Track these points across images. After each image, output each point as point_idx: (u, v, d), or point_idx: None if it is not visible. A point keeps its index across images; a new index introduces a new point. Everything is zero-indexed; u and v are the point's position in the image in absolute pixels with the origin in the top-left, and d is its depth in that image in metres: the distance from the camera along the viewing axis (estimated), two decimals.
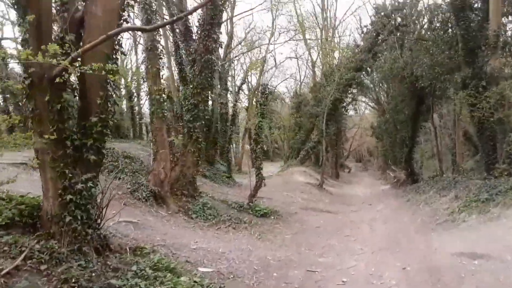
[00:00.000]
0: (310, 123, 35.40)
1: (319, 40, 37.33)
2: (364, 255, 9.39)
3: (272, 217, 13.24)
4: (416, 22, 23.78)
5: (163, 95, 11.19)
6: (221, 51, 24.75)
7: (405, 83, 22.83)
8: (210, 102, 22.48)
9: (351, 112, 56.77)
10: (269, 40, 33.51)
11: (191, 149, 12.39)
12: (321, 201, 19.06)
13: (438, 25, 19.11)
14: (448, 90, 21.18)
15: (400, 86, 24.07)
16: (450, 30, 18.20)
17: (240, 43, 31.19)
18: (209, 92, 12.84)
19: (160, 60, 11.48)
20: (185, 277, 6.57)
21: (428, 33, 20.63)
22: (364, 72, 30.19)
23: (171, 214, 10.46)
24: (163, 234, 8.85)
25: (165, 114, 11.09)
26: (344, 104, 33.18)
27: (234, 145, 43.52)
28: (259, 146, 14.61)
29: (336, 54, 40.66)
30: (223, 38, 24.61)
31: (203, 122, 12.67)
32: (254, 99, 16.72)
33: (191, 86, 12.84)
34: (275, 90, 52.61)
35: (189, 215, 10.81)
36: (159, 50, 11.49)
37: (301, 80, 50.31)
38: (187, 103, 12.78)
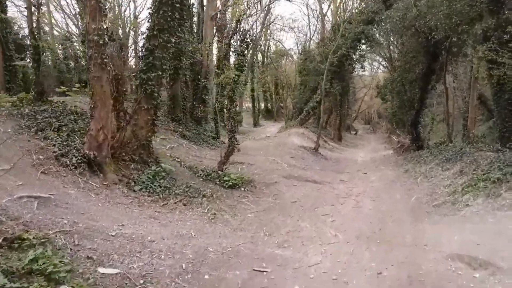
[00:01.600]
0: (315, 81, 32.69)
1: None
2: (336, 246, 7.37)
3: (243, 189, 11.23)
4: None
5: (104, 35, 8.86)
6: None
7: (418, 36, 19.83)
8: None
9: (362, 72, 53.64)
10: None
11: (144, 105, 10.19)
12: (310, 168, 16.95)
13: None
14: (465, 46, 18.21)
15: (412, 40, 21.01)
16: None
17: None
18: (170, 35, 10.35)
19: None
20: (66, 286, 4.70)
21: None
22: (375, 26, 27.01)
23: (107, 186, 8.49)
24: (80, 215, 6.88)
25: (105, 60, 8.79)
26: (351, 62, 30.28)
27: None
28: (233, 105, 12.29)
29: (349, 4, 37.16)
30: None
31: (160, 73, 10.31)
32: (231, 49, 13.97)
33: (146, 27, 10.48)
34: (282, 46, 49.79)
35: (131, 187, 8.83)
36: None
37: (311, 36, 46.88)
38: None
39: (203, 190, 10.05)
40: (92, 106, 8.93)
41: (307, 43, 44.50)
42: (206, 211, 8.79)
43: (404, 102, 23.04)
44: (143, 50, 10.42)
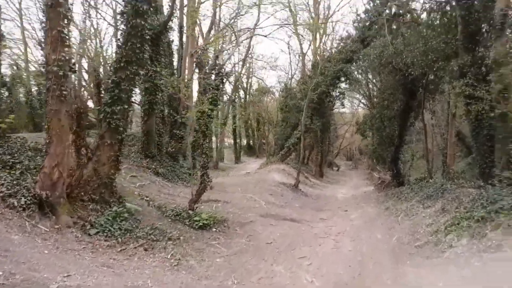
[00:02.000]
0: (296, 118, 32.62)
1: (310, 26, 34.22)
2: None
3: (214, 229, 10.42)
4: (413, 9, 20.85)
5: (66, 67, 8.30)
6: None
7: (395, 74, 20.02)
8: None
9: (344, 109, 54.26)
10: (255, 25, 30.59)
11: (107, 140, 9.50)
12: (289, 206, 16.25)
13: (434, 6, 16.20)
14: (442, 83, 18.37)
15: (390, 77, 21.21)
16: (448, 11, 15.35)
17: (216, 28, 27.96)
18: (138, 67, 9.85)
19: (65, 21, 8.56)
20: None
21: (423, 15, 17.74)
22: (354, 64, 27.39)
23: (58, 230, 7.61)
24: (20, 264, 5.99)
25: (65, 92, 8.17)
26: (331, 99, 30.44)
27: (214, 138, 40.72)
28: (206, 140, 11.70)
29: (329, 44, 37.90)
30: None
31: (126, 107, 9.72)
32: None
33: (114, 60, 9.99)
34: (264, 84, 50.21)
35: (86, 230, 7.96)
36: (65, 7, 8.55)
37: (292, 74, 47.52)
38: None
39: (169, 232, 9.21)
40: (47, 141, 8.21)
41: (289, 81, 45.07)
42: (169, 257, 7.93)
43: (383, 138, 22.90)
44: (109, 82, 9.86)
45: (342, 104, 33.28)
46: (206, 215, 10.68)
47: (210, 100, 11.50)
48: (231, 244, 9.69)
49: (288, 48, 57.43)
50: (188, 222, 10.30)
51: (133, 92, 10.01)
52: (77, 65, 10.37)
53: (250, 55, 39.29)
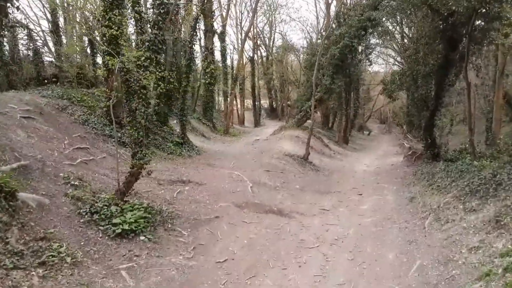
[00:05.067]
0: (316, 77, 28.00)
1: None
2: None
3: (143, 237, 6.91)
4: None
5: None
6: None
7: (431, 17, 15.06)
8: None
9: (373, 67, 48.35)
10: None
11: None
12: (285, 188, 12.46)
13: None
14: (492, 29, 13.37)
15: (425, 23, 16.18)
16: None
17: None
18: None
19: None
20: None
21: None
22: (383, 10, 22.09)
23: None
24: None
25: None
26: (356, 54, 25.45)
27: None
28: (141, 103, 7.85)
29: None
30: None
31: None
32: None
33: None
34: (287, 40, 44.99)
35: None
36: None
37: (319, 29, 41.95)
38: None
39: (56, 249, 5.80)
40: None
41: (316, 36, 39.76)
42: None
43: (415, 100, 18.15)
44: None
45: (369, 61, 27.98)
46: (135, 214, 7.17)
47: (147, 44, 7.66)
48: (155, 266, 6.18)
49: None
50: (106, 225, 6.85)
51: None
52: None
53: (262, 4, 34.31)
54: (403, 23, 24.10)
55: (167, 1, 7.86)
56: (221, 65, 32.66)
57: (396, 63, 45.24)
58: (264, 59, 44.50)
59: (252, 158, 16.30)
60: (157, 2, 7.82)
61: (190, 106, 28.08)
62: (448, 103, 23.70)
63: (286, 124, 27.04)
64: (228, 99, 29.26)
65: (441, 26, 14.72)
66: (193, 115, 25.99)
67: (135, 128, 7.59)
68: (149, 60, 7.62)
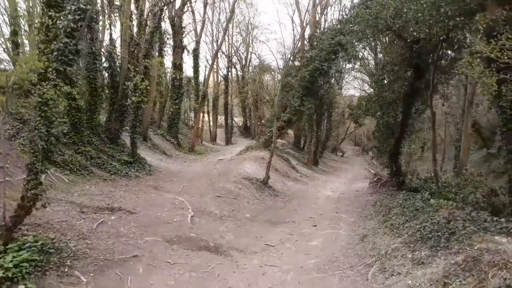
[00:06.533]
0: (285, 99, 27.19)
1: None
2: None
3: (23, 286, 5.53)
4: None
5: None
6: None
7: (397, 44, 14.47)
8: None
9: (352, 91, 48.30)
10: None
11: None
12: (233, 217, 11.21)
13: None
14: (459, 56, 12.72)
15: (391, 49, 15.56)
16: None
17: None
18: None
19: None
20: None
21: None
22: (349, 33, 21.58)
23: None
24: None
25: None
26: (325, 77, 24.80)
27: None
28: (46, 130, 6.55)
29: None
30: None
31: None
32: None
33: None
34: (263, 60, 44.47)
35: None
36: None
37: (294, 50, 41.59)
38: None
39: None
40: None
41: (291, 58, 39.29)
42: None
43: (381, 127, 17.35)
44: None
45: (338, 84, 27.39)
46: (20, 256, 5.77)
47: (55, 54, 6.43)
48: None
49: (292, 22, 50.66)
50: None
51: None
52: None
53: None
54: (378, 49, 23.67)
55: (84, 7, 6.66)
56: (192, 81, 31.64)
57: (371, 88, 45.32)
58: (240, 77, 43.75)
59: (207, 180, 15.01)
60: (73, 7, 6.62)
61: (156, 121, 26.78)
62: (420, 129, 23.24)
63: (253, 144, 25.96)
64: (195, 116, 28.03)
65: (406, 54, 14.09)
66: (157, 131, 24.61)
67: (32, 151, 6.24)
68: (56, 72, 6.36)
